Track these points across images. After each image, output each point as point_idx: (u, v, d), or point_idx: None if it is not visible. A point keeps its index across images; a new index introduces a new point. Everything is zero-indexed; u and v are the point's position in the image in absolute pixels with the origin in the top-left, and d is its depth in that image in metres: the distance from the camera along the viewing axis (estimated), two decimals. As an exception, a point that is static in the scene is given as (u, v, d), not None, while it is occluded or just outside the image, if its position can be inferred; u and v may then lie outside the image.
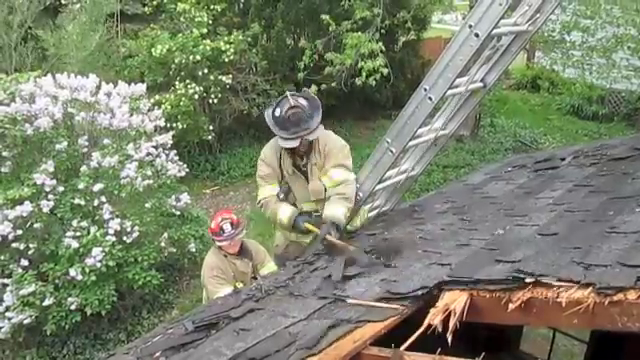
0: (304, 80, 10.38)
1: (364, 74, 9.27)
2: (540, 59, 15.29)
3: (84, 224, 5.89)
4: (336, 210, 3.52)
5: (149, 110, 7.06)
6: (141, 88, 7.05)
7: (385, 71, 9.22)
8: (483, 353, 2.06)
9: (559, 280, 1.92)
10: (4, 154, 5.79)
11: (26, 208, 5.58)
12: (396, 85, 11.38)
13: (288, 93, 3.61)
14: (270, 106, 3.72)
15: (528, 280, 1.99)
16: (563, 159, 4.44)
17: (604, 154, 4.23)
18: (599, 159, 4.09)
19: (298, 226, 3.72)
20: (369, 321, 2.17)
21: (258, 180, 3.90)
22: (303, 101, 3.56)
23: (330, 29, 9.73)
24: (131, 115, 6.54)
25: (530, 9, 3.34)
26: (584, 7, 10.09)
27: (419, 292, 2.22)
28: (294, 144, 3.54)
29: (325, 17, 9.66)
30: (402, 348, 1.92)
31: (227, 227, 4.21)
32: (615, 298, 1.75)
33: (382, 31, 10.10)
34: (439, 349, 1.90)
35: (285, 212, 3.75)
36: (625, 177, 3.40)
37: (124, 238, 6.07)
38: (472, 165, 10.83)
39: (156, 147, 6.73)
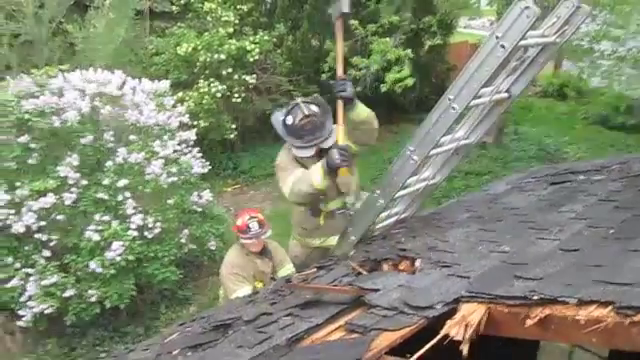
0: (328, 82, 10.40)
1: (389, 82, 9.23)
2: (568, 67, 15.09)
3: (106, 218, 5.99)
4: None
5: (173, 106, 7.15)
6: (164, 85, 7.14)
7: (411, 82, 9.14)
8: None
9: (579, 301, 1.90)
10: (32, 146, 5.91)
11: (49, 200, 5.70)
12: (421, 90, 11.34)
13: (299, 100, 3.53)
14: (277, 111, 3.64)
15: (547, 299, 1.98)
16: (587, 172, 4.37)
17: (630, 168, 4.16)
18: (625, 174, 4.03)
19: (332, 162, 3.23)
20: (385, 330, 2.16)
21: (280, 174, 3.63)
22: (315, 108, 3.49)
23: (357, 32, 9.71)
24: (157, 112, 6.63)
25: (559, 21, 3.29)
26: (615, 16, 9.94)
27: (438, 307, 2.21)
28: (310, 153, 3.48)
29: (354, 22, 9.62)
30: (414, 358, 1.91)
31: (254, 225, 4.26)
32: (635, 318, 1.72)
33: (408, 35, 10.09)
34: (454, 361, 1.90)
35: (316, 168, 3.36)
36: (651, 193, 3.34)
37: (145, 233, 6.16)
38: (494, 172, 10.71)
39: (180, 144, 6.81)
